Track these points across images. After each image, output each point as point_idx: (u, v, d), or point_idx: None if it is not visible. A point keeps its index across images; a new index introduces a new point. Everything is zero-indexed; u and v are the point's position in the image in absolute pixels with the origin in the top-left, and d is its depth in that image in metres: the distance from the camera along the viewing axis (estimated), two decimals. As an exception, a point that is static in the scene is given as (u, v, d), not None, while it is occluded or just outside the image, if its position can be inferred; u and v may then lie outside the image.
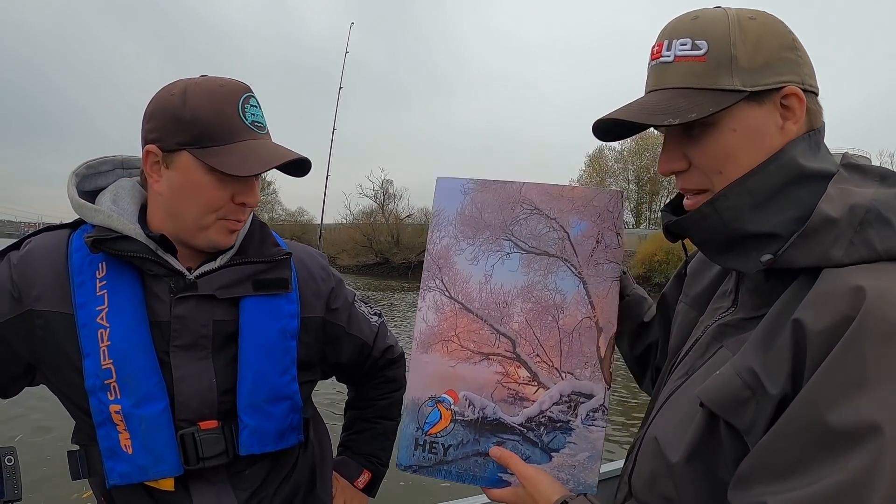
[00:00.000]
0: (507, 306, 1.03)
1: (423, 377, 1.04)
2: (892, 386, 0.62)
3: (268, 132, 1.15)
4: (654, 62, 0.86)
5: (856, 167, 0.80)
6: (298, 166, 1.15)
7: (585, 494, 0.92)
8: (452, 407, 1.02)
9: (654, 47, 0.86)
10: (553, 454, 0.98)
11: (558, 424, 0.99)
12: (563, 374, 1.00)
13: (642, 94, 0.87)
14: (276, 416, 1.22)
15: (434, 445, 1.02)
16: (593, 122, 0.89)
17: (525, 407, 1.00)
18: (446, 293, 1.05)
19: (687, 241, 0.94)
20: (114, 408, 1.09)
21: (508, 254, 1.05)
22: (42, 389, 1.23)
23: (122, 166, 1.26)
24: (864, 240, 0.71)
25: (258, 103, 1.14)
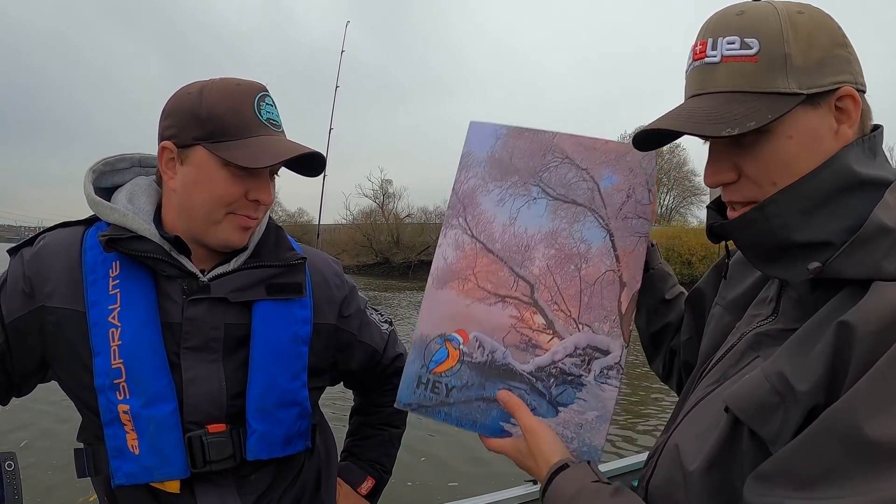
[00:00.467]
0: (529, 250, 1.00)
1: (434, 314, 1.01)
2: None
3: (283, 131, 1.16)
4: (696, 63, 0.79)
5: None
6: (312, 165, 1.16)
7: (589, 462, 0.87)
8: (461, 347, 0.99)
9: (695, 46, 0.79)
10: (560, 409, 0.94)
11: (569, 378, 0.95)
12: (581, 326, 0.96)
13: (680, 100, 0.82)
14: (284, 422, 1.21)
15: (437, 385, 0.99)
16: (636, 132, 0.84)
17: (537, 355, 0.96)
18: (468, 232, 1.03)
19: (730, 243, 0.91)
20: (122, 407, 1.09)
21: (535, 199, 1.02)
22: (52, 393, 1.22)
23: (139, 164, 1.27)
24: None
25: (273, 102, 1.16)
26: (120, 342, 1.10)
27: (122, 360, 1.09)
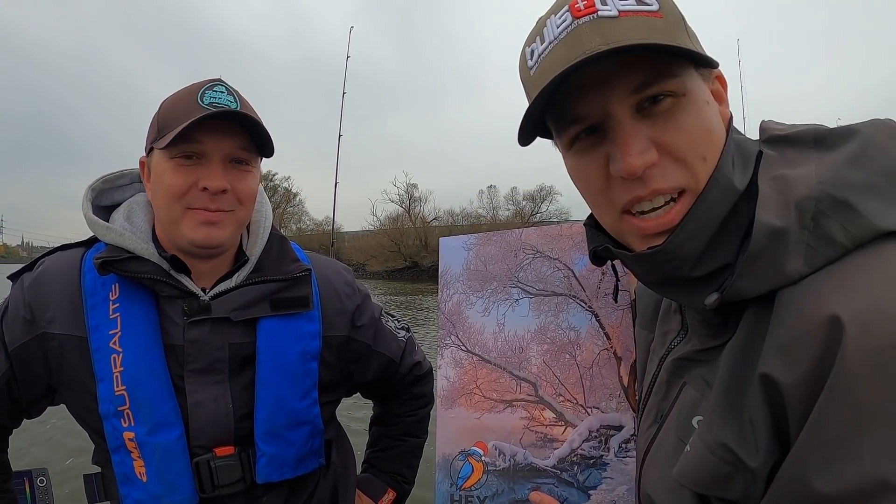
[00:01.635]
0: (523, 351, 1.05)
1: (450, 433, 1.05)
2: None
3: (236, 110, 1.07)
4: (585, 19, 0.63)
5: (782, 139, 0.67)
6: (263, 141, 1.10)
7: None
8: (483, 458, 1.03)
9: (574, 3, 0.65)
10: (591, 492, 0.97)
11: (591, 461, 0.98)
12: (589, 410, 1.00)
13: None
14: (295, 443, 1.18)
15: (470, 499, 1.02)
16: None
17: (555, 448, 1.00)
18: (463, 347, 1.08)
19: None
20: (127, 435, 1.07)
21: (517, 300, 1.07)
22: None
23: (139, 180, 1.23)
24: (823, 238, 0.58)
25: (229, 89, 1.09)
26: (122, 368, 1.07)
27: (125, 387, 1.07)
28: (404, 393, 1.47)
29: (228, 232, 1.11)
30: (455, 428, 1.05)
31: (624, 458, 0.97)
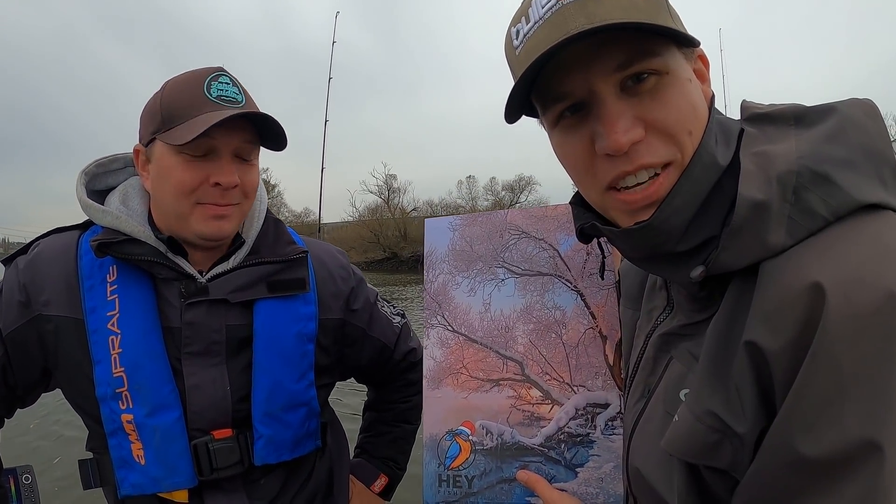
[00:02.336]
0: (509, 331, 1.05)
1: (437, 412, 1.05)
2: (877, 392, 0.52)
3: (245, 104, 1.09)
4: (564, 1, 0.64)
5: (762, 116, 0.69)
6: (275, 136, 1.10)
7: None
8: (470, 438, 1.03)
9: None
10: (578, 469, 0.98)
11: (578, 439, 0.99)
12: (576, 388, 1.01)
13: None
14: (292, 424, 1.19)
15: (458, 479, 1.03)
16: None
17: (542, 426, 1.00)
18: (449, 328, 1.08)
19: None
20: (126, 417, 1.07)
21: (503, 280, 1.07)
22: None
23: (132, 164, 1.21)
24: (805, 210, 0.60)
25: (232, 80, 1.09)
26: (120, 350, 1.07)
27: (123, 369, 1.06)
28: (398, 379, 1.48)
29: (235, 224, 1.13)
30: (442, 408, 1.05)
31: (610, 435, 0.98)
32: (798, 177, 0.61)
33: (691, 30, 0.69)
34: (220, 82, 1.07)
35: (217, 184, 1.06)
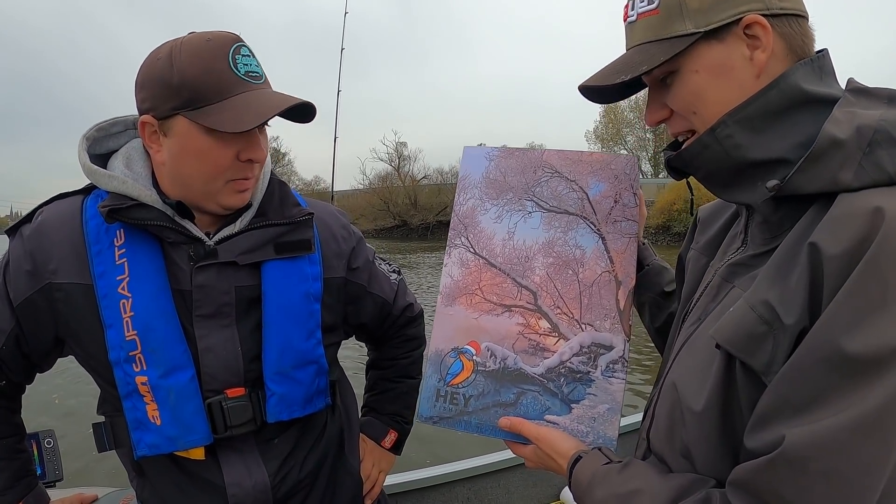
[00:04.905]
0: (528, 261, 1.07)
1: (446, 329, 1.08)
2: None
3: (265, 81, 1.09)
4: (624, 24, 0.88)
5: (862, 91, 0.77)
6: (302, 112, 1.09)
7: (600, 448, 0.93)
8: (474, 357, 1.05)
9: (623, 8, 0.89)
10: (573, 405, 1.01)
11: (578, 375, 1.01)
12: (584, 326, 1.03)
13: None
14: (303, 382, 1.21)
15: (455, 396, 1.05)
16: (578, 87, 0.93)
17: (546, 358, 1.03)
18: (471, 249, 1.10)
19: (693, 181, 0.95)
20: (140, 379, 1.08)
21: (531, 212, 1.09)
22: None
23: (133, 126, 1.19)
24: (874, 162, 0.68)
25: (251, 52, 1.07)
26: (132, 313, 1.07)
27: (136, 332, 1.07)
28: (398, 335, 1.51)
29: (252, 190, 1.16)
30: (452, 325, 1.08)
31: (609, 377, 1.01)
32: (876, 133, 0.69)
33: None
34: (242, 55, 1.05)
35: (249, 160, 1.08)
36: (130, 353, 1.07)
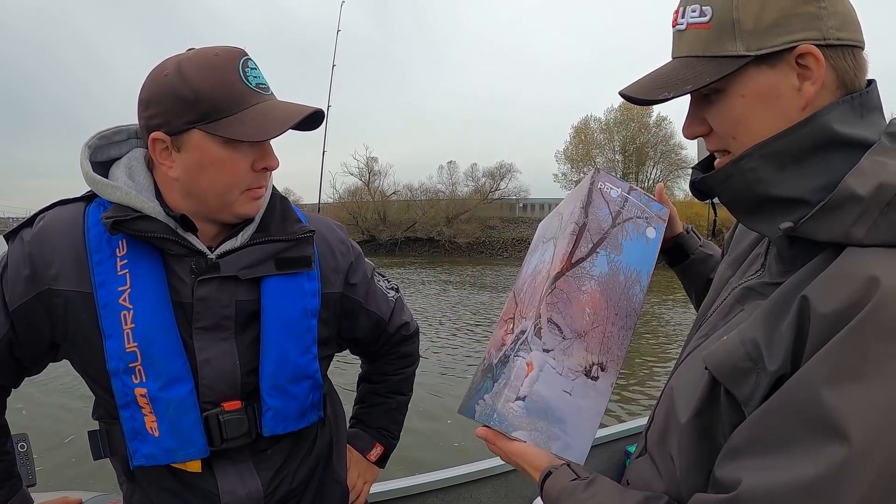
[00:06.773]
0: (525, 282, 1.21)
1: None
2: (886, 388, 0.59)
3: (272, 92, 1.12)
4: (673, 29, 0.83)
5: None
6: (311, 120, 1.11)
7: (569, 464, 0.92)
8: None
9: (674, 13, 0.83)
10: (494, 384, 1.06)
11: (505, 359, 1.08)
12: (524, 319, 1.11)
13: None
14: (298, 396, 1.22)
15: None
16: (619, 92, 0.87)
17: (501, 350, 1.12)
18: (513, 293, 1.24)
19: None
20: (139, 391, 1.08)
21: (536, 250, 1.25)
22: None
23: (136, 136, 1.20)
24: (889, 222, 0.66)
25: (256, 64, 1.09)
26: (133, 325, 1.06)
27: (136, 344, 1.06)
28: (391, 352, 1.52)
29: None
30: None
31: (515, 357, 1.04)
32: None
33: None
34: (251, 68, 1.07)
35: (264, 168, 1.12)
36: (130, 365, 1.08)
